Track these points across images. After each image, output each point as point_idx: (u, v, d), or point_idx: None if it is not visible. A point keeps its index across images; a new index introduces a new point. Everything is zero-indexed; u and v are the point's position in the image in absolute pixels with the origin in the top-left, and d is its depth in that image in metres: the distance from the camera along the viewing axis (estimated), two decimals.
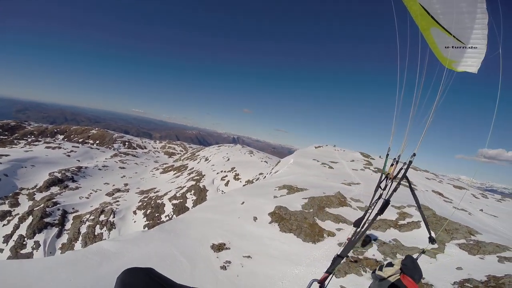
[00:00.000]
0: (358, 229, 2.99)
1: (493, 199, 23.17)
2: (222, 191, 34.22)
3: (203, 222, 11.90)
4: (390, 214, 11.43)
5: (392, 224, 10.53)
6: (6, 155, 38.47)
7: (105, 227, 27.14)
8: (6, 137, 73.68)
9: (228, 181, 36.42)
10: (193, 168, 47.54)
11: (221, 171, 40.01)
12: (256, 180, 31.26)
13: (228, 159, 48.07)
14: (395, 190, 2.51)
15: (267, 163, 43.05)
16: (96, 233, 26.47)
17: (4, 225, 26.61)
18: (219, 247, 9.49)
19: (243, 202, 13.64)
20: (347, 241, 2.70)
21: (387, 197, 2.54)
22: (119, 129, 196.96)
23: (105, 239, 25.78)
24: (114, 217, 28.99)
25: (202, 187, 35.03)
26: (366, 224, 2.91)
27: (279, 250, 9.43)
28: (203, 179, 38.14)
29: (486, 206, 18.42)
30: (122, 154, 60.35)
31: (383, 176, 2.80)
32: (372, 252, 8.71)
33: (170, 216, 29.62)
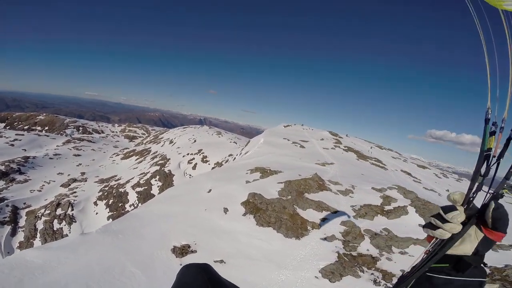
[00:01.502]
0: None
1: (452, 178, 25.01)
2: (190, 175, 32.57)
3: (162, 217, 10.04)
4: (373, 198, 10.98)
5: (378, 210, 10.05)
6: None
7: (63, 221, 24.80)
8: None
9: (196, 164, 34.74)
10: (156, 152, 44.53)
11: (188, 154, 37.98)
12: (225, 162, 30.05)
13: (195, 141, 45.84)
14: (507, 178, 0.87)
15: (236, 143, 41.84)
16: (55, 229, 24.39)
17: None
18: (182, 250, 7.84)
19: (210, 190, 11.82)
20: (424, 255, 0.95)
21: (495, 189, 0.91)
22: (72, 114, 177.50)
23: (66, 234, 23.39)
24: (72, 210, 26.37)
25: (167, 172, 32.95)
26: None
27: (257, 249, 8.05)
28: (168, 163, 35.89)
29: (449, 186, 19.65)
30: (76, 140, 54.35)
31: (484, 156, 0.92)
32: (365, 246, 8.05)
33: (136, 205, 27.56)
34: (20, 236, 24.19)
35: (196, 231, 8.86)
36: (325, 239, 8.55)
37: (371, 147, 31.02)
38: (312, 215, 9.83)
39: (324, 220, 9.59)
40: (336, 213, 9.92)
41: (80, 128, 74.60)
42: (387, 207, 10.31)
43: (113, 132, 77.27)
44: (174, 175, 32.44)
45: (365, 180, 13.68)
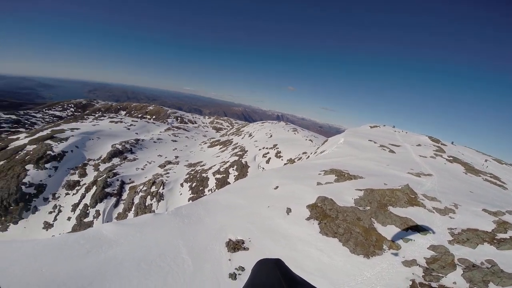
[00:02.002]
0: None
1: None
2: (263, 168, 33.14)
3: (226, 207, 10.11)
4: (483, 222, 8.23)
5: (486, 237, 7.38)
6: (77, 129, 43.70)
7: (154, 198, 28.76)
8: (79, 113, 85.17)
9: (270, 158, 35.05)
10: (237, 143, 47.48)
11: (263, 148, 38.77)
12: (298, 160, 29.03)
13: (271, 136, 46.47)
14: None
15: (312, 141, 40.05)
16: (146, 204, 28.20)
17: (73, 194, 30.31)
18: (235, 246, 7.66)
19: (277, 187, 11.29)
20: None
21: None
22: (173, 106, 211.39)
23: (154, 210, 27.37)
24: (163, 188, 30.54)
25: (244, 163, 34.50)
26: None
27: (314, 261, 6.98)
28: (245, 155, 37.58)
29: None
30: (174, 128, 64.10)
31: None
32: (453, 278, 6.06)
33: (213, 191, 29.97)
34: (120, 208, 28.84)
35: (254, 227, 8.49)
36: (402, 263, 6.77)
37: (486, 160, 23.88)
38: (392, 232, 8.04)
39: (408, 241, 7.65)
40: (426, 234, 7.80)
41: (179, 118, 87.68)
42: (500, 235, 7.47)
43: (204, 123, 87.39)
44: (249, 166, 33.73)
45: (474, 199, 10.55)
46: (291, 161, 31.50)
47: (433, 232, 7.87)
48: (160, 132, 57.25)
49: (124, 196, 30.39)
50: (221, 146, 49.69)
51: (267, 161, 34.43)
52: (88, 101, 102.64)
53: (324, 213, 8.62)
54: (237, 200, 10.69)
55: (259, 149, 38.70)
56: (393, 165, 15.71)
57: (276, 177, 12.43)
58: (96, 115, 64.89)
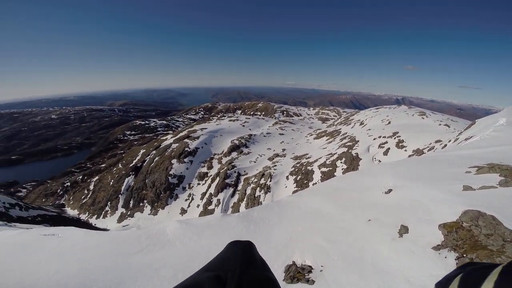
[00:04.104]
0: None
1: None
2: (379, 161, 28.25)
3: (306, 215, 7.72)
4: None
5: None
6: (205, 128, 52.71)
7: (263, 190, 30.42)
8: (207, 115, 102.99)
9: (388, 148, 29.48)
10: (346, 133, 43.26)
11: (379, 137, 33.12)
12: (430, 151, 22.67)
13: (389, 122, 39.19)
14: None
15: (449, 127, 30.60)
16: (256, 195, 30.23)
17: (202, 184, 36.52)
18: (297, 274, 5.17)
19: (389, 190, 7.53)
20: None
21: None
22: (279, 101, 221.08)
23: (261, 202, 28.86)
24: (271, 180, 31.89)
25: (354, 155, 30.74)
26: None
27: None
28: (356, 145, 33.46)
29: None
30: (281, 122, 66.38)
31: None
32: None
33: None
34: (235, 198, 31.72)
35: (335, 250, 5.60)
36: None
37: None
38: None
39: None
40: None
41: (284, 112, 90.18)
42: None
43: (309, 115, 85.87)
44: (361, 159, 29.78)
45: None
46: (418, 152, 25.20)
47: None
48: (269, 126, 60.49)
49: (239, 187, 33.82)
50: (328, 137, 46.84)
51: (385, 153, 29.21)
52: (212, 104, 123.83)
53: (474, 241, 4.68)
54: (323, 205, 8.04)
55: (374, 139, 33.48)
56: None
57: (391, 175, 8.66)
58: (219, 116, 76.31)
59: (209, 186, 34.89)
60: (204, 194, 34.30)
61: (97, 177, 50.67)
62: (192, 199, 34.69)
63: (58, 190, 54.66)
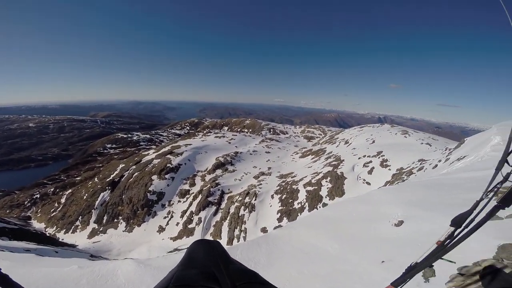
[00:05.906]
0: (459, 230, 1.12)
1: None
2: (364, 180, 28.11)
3: (299, 254, 6.30)
4: None
5: None
6: (190, 144, 51.36)
7: (247, 209, 29.16)
8: (192, 131, 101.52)
9: (373, 168, 29.55)
10: (331, 152, 43.43)
11: (364, 156, 33.33)
12: (417, 170, 22.71)
13: (373, 141, 39.84)
14: None
15: (430, 145, 31.41)
16: (240, 214, 28.87)
17: (183, 202, 34.80)
18: None
19: (400, 222, 6.39)
20: (435, 245, 1.13)
21: None
22: (266, 118, 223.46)
23: (245, 221, 27.54)
24: (255, 199, 30.80)
25: (339, 174, 30.52)
26: (474, 223, 1.07)
27: None
28: (341, 164, 33.39)
29: None
30: (268, 140, 66.11)
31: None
32: None
33: (302, 204, 27.68)
34: (218, 216, 30.28)
35: None
36: None
37: None
38: None
39: None
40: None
41: (271, 130, 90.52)
42: None
43: (295, 133, 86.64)
44: (346, 178, 29.57)
45: None
46: (402, 171, 25.29)
47: None
48: (255, 144, 59.97)
49: (223, 205, 32.39)
50: (313, 156, 46.84)
51: (370, 171, 29.22)
52: (199, 119, 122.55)
53: None
54: (320, 241, 6.74)
55: (359, 158, 33.63)
56: None
57: (396, 202, 7.62)
58: (205, 132, 75.30)
59: (191, 204, 33.28)
60: (184, 212, 32.58)
61: (70, 190, 47.34)
62: (172, 216, 32.83)
63: (26, 202, 50.63)
